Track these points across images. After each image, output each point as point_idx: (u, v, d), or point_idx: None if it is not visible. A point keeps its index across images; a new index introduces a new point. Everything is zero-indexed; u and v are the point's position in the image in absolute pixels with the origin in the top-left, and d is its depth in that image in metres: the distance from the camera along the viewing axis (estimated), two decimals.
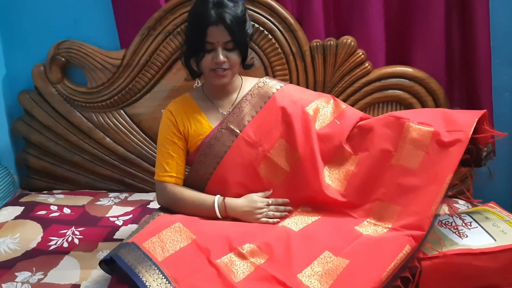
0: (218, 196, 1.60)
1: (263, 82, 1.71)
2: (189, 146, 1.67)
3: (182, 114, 1.66)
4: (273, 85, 1.70)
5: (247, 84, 1.72)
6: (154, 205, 2.03)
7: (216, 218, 1.59)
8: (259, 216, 1.57)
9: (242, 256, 1.39)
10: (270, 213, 1.58)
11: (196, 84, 2.05)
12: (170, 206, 1.65)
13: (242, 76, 1.74)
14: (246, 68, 1.71)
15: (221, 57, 1.54)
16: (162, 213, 1.61)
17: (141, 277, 1.29)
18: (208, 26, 1.51)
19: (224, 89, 1.68)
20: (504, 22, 1.95)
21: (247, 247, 1.41)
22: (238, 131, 1.62)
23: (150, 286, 1.26)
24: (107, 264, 1.44)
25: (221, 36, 1.53)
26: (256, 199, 1.59)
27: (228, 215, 1.59)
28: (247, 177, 1.62)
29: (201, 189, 1.65)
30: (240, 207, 1.58)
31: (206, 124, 1.66)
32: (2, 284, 1.52)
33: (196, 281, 1.30)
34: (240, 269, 1.36)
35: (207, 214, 1.59)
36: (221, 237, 1.45)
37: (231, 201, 1.59)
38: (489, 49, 1.92)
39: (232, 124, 1.63)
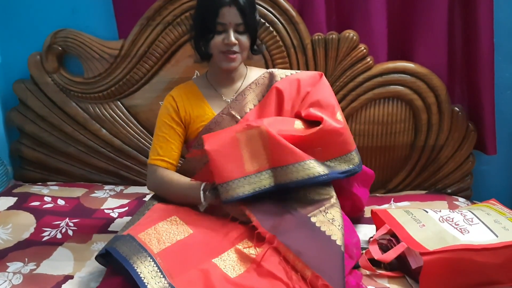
0: (205, 183, 1.53)
1: (270, 72, 1.69)
2: (190, 133, 1.64)
3: (185, 100, 1.64)
4: (278, 74, 1.68)
5: (252, 73, 1.70)
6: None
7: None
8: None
9: (239, 253, 1.37)
10: None
11: (195, 76, 2.02)
12: (158, 191, 1.62)
13: (247, 66, 1.72)
14: (255, 53, 1.68)
15: (233, 39, 1.52)
16: (156, 202, 1.57)
17: (135, 268, 1.26)
18: (221, 7, 1.50)
19: (229, 76, 1.66)
20: (507, 18, 1.93)
21: (244, 244, 1.39)
22: (238, 117, 1.60)
23: (144, 278, 1.24)
24: (103, 257, 1.42)
25: (233, 17, 1.51)
26: None
27: (220, 202, 1.49)
28: None
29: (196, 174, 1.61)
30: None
31: (209, 111, 1.63)
32: None
33: (191, 278, 1.27)
34: (237, 265, 1.33)
35: (192, 200, 1.53)
36: (218, 233, 1.43)
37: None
38: (492, 46, 1.90)
39: (233, 110, 1.61)
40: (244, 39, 1.55)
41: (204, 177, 1.56)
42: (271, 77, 1.67)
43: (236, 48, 1.55)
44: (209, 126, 1.60)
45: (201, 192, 1.51)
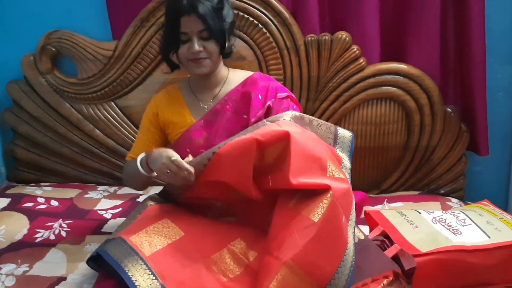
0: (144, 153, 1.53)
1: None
2: (170, 138, 1.67)
3: (164, 105, 1.67)
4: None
5: (234, 77, 1.68)
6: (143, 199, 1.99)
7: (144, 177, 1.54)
8: (160, 168, 1.41)
9: (232, 254, 1.37)
10: (168, 171, 1.39)
11: (188, 76, 2.02)
12: (125, 181, 1.72)
13: (230, 68, 1.71)
14: (226, 56, 1.66)
15: (196, 47, 1.52)
16: (148, 205, 1.54)
17: (127, 271, 1.26)
18: (181, 16, 1.50)
19: (207, 81, 1.65)
20: (499, 20, 1.94)
21: (237, 244, 1.39)
22: None
23: (136, 281, 1.24)
24: (95, 260, 1.41)
25: (194, 25, 1.50)
26: (168, 152, 1.43)
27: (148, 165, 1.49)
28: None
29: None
30: (154, 157, 1.46)
31: (189, 117, 1.64)
32: None
33: (184, 278, 1.28)
34: (229, 267, 1.33)
35: (139, 176, 1.52)
36: (211, 234, 1.42)
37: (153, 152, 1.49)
38: (484, 47, 1.91)
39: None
40: (211, 45, 1.54)
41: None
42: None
43: (202, 55, 1.54)
44: (187, 132, 1.62)
45: (138, 163, 1.51)
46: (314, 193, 1.29)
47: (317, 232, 1.23)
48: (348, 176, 1.42)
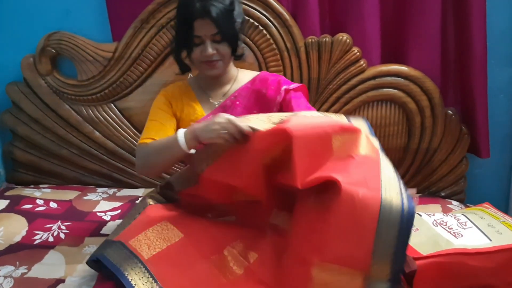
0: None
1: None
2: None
3: (177, 97, 1.65)
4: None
5: (243, 76, 1.70)
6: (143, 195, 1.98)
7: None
8: (214, 128, 1.34)
9: (232, 255, 1.36)
10: (224, 131, 1.32)
11: (189, 77, 2.02)
12: (146, 165, 1.53)
13: (238, 68, 1.72)
14: (237, 58, 1.67)
15: (210, 50, 1.52)
16: (150, 203, 1.53)
17: (126, 275, 1.26)
18: (194, 20, 1.49)
19: (218, 80, 1.66)
20: (500, 22, 1.94)
21: (237, 246, 1.38)
22: None
23: (135, 284, 1.24)
24: (95, 261, 1.41)
25: (208, 29, 1.50)
26: (222, 114, 1.38)
27: (195, 136, 1.39)
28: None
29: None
30: (202, 123, 1.40)
31: (200, 110, 1.64)
32: None
33: (183, 281, 1.27)
34: (230, 269, 1.33)
35: (173, 149, 1.43)
36: (210, 235, 1.42)
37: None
38: (485, 49, 1.91)
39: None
40: (223, 47, 1.54)
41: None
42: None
43: (215, 57, 1.54)
44: None
45: (180, 138, 1.41)
46: (326, 186, 1.23)
47: (331, 224, 1.18)
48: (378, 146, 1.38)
